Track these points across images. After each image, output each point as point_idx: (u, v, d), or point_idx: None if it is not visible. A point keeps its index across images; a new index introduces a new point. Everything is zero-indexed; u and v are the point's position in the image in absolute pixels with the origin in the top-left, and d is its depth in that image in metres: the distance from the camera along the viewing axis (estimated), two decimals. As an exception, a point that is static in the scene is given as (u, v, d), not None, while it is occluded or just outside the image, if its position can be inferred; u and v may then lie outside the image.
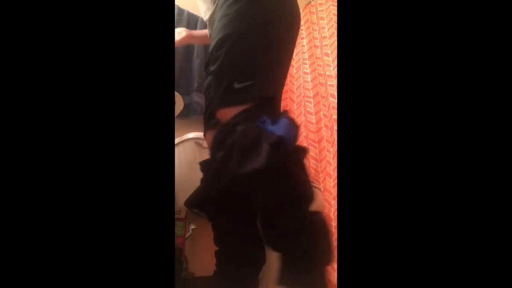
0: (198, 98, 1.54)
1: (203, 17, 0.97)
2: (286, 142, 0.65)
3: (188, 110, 1.49)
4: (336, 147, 1.25)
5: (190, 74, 1.59)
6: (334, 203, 1.27)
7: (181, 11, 1.65)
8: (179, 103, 1.13)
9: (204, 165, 0.83)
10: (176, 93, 1.09)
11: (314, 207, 1.07)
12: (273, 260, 0.94)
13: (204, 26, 1.69)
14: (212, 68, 0.75)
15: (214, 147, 0.73)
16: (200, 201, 0.78)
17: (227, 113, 0.70)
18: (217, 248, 0.85)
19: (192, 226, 1.25)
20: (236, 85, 0.68)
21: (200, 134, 1.22)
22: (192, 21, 1.68)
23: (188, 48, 1.64)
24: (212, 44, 0.78)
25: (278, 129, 0.66)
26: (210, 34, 0.96)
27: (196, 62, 1.61)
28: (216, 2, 0.85)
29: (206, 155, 1.21)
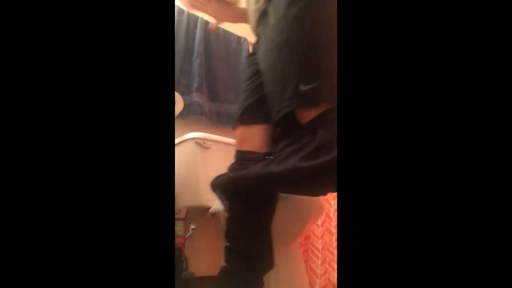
0: (198, 98, 1.53)
1: (250, 8, 0.94)
2: None
3: (188, 110, 1.49)
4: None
5: (190, 74, 1.59)
6: (334, 203, 1.27)
7: (181, 11, 1.64)
8: (179, 103, 1.13)
9: (244, 154, 0.85)
10: (176, 93, 1.09)
11: (315, 206, 1.06)
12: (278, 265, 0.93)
13: (205, 25, 1.69)
14: (269, 71, 0.77)
15: (285, 141, 0.74)
16: (229, 185, 0.79)
17: (303, 116, 0.72)
18: (227, 244, 0.84)
19: (192, 226, 1.25)
20: (303, 87, 0.69)
21: (200, 134, 1.22)
22: (193, 22, 1.68)
23: (188, 48, 1.64)
24: (267, 44, 0.79)
25: None
26: (254, 28, 0.94)
27: (196, 62, 1.60)
28: None
29: (206, 155, 1.21)
